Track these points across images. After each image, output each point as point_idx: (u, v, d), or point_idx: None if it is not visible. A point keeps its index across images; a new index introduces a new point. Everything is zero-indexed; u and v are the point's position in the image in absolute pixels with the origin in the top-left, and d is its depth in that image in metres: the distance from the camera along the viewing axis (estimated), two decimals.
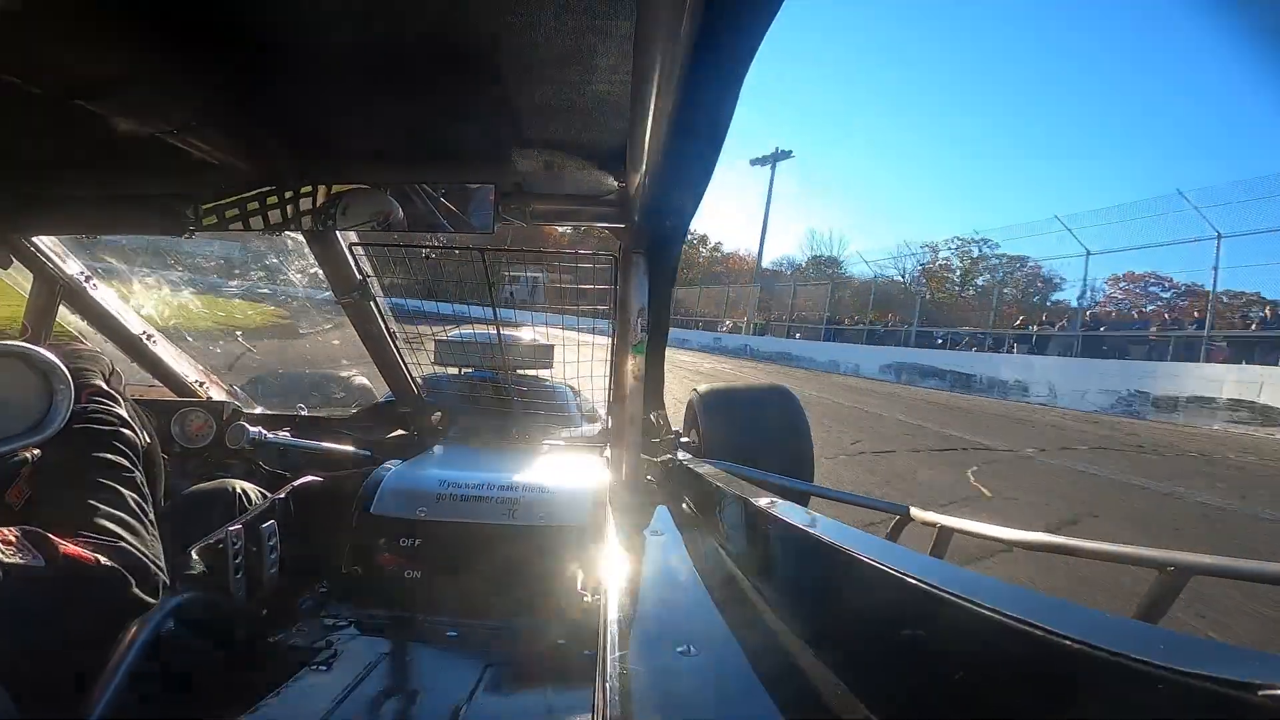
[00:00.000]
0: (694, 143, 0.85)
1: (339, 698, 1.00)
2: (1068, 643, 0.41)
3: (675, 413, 2.24)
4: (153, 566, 0.84)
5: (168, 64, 0.78)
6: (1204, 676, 0.35)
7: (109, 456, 0.89)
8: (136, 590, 0.80)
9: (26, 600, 0.65)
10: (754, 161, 39.56)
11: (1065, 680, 0.42)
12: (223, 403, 1.50)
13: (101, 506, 0.82)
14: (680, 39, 0.59)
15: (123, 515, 0.83)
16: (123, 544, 0.79)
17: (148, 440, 1.07)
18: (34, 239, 1.54)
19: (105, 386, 1.02)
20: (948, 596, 0.51)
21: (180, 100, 0.89)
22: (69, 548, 0.72)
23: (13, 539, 0.68)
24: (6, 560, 0.65)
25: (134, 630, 0.75)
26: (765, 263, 38.83)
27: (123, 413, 1.01)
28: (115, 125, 0.88)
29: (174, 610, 0.81)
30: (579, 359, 2.09)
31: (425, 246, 1.63)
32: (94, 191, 1.31)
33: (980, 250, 27.12)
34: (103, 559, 0.75)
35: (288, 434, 1.76)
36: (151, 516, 0.88)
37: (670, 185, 1.00)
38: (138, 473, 0.92)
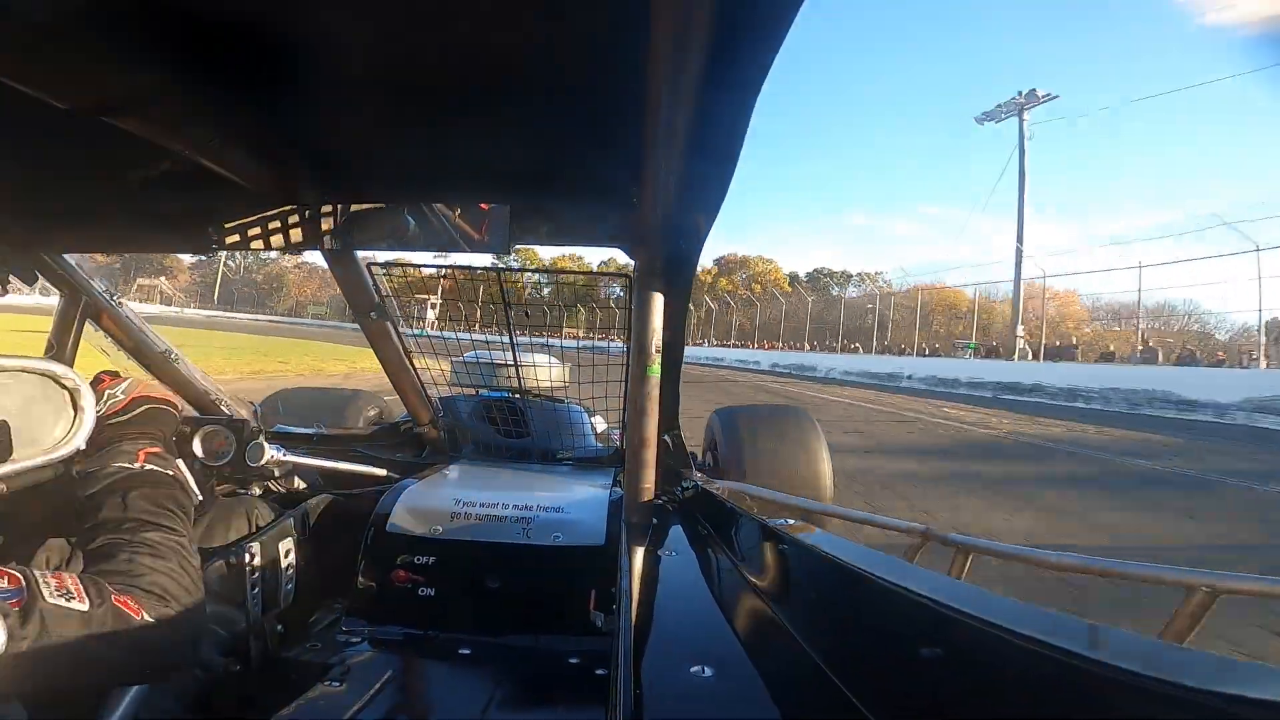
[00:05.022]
0: (708, 161, 0.85)
1: (352, 714, 1.00)
2: (1094, 665, 0.40)
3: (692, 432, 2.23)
4: (193, 629, 0.88)
5: (192, 82, 0.81)
6: (1237, 698, 0.33)
7: (163, 521, 0.92)
8: (173, 649, 0.84)
9: (62, 639, 0.68)
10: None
11: (1092, 705, 0.41)
12: (243, 421, 1.52)
13: (155, 570, 0.84)
14: (693, 53, 0.58)
15: (174, 578, 0.85)
16: (171, 604, 0.82)
17: (199, 498, 1.10)
18: (60, 256, 1.58)
19: (162, 452, 1.04)
20: (968, 619, 0.50)
21: (204, 118, 0.91)
22: (119, 597, 0.76)
23: (69, 585, 0.72)
24: (49, 601, 0.68)
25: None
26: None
27: (177, 474, 1.03)
28: (140, 143, 0.90)
29: None
30: (594, 379, 2.10)
31: (443, 266, 1.65)
32: (118, 209, 1.35)
33: None
34: (148, 615, 0.78)
35: (305, 452, 1.78)
36: (198, 578, 0.91)
37: (684, 205, 1.01)
38: (188, 535, 0.95)
